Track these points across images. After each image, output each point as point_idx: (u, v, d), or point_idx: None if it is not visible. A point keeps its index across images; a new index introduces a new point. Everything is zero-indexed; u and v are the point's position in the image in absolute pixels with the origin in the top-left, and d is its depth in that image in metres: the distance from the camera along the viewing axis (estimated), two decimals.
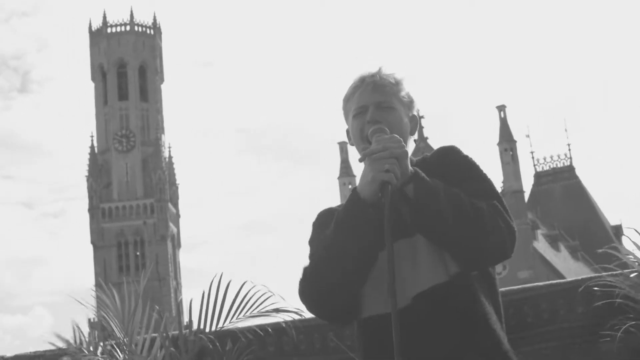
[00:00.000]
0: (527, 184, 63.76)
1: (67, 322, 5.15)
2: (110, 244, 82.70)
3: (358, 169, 2.31)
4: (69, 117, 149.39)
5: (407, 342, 2.19)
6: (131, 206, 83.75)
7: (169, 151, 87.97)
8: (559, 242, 61.06)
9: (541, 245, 56.23)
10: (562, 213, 64.58)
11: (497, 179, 52.74)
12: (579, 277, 4.91)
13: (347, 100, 2.58)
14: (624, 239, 5.99)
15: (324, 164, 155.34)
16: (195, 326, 5.07)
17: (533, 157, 69.69)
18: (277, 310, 5.04)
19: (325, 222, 2.48)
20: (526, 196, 57.36)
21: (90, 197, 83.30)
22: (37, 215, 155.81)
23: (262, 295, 5.04)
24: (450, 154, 2.50)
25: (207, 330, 5.04)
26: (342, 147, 55.93)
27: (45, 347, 5.25)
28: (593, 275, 4.78)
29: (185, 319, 5.23)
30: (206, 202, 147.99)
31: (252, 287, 5.04)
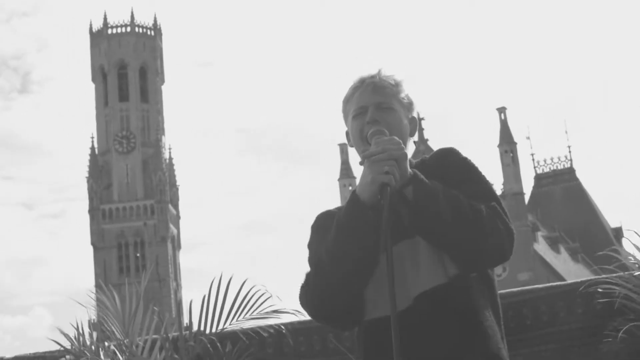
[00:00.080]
0: (528, 186, 63.87)
1: (67, 322, 5.14)
2: (111, 245, 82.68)
3: (358, 170, 2.31)
4: (69, 118, 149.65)
5: (407, 343, 2.20)
6: (131, 207, 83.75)
7: (170, 152, 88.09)
8: (559, 244, 61.06)
9: (541, 247, 56.21)
10: (562, 215, 64.57)
11: (497, 180, 52.77)
12: (579, 280, 4.90)
13: (347, 101, 2.58)
14: (624, 241, 5.99)
15: (324, 164, 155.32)
16: (195, 328, 5.08)
17: (533, 159, 69.82)
18: (276, 312, 5.05)
19: (323, 224, 2.49)
20: (526, 198, 57.36)
21: (91, 198, 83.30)
22: (37, 215, 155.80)
23: (261, 296, 5.06)
24: (449, 155, 2.50)
25: (207, 332, 5.04)
26: (343, 148, 55.92)
27: (45, 347, 5.25)
28: (592, 277, 4.78)
29: (186, 320, 5.23)
30: (206, 203, 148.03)
31: (252, 287, 5.06)
